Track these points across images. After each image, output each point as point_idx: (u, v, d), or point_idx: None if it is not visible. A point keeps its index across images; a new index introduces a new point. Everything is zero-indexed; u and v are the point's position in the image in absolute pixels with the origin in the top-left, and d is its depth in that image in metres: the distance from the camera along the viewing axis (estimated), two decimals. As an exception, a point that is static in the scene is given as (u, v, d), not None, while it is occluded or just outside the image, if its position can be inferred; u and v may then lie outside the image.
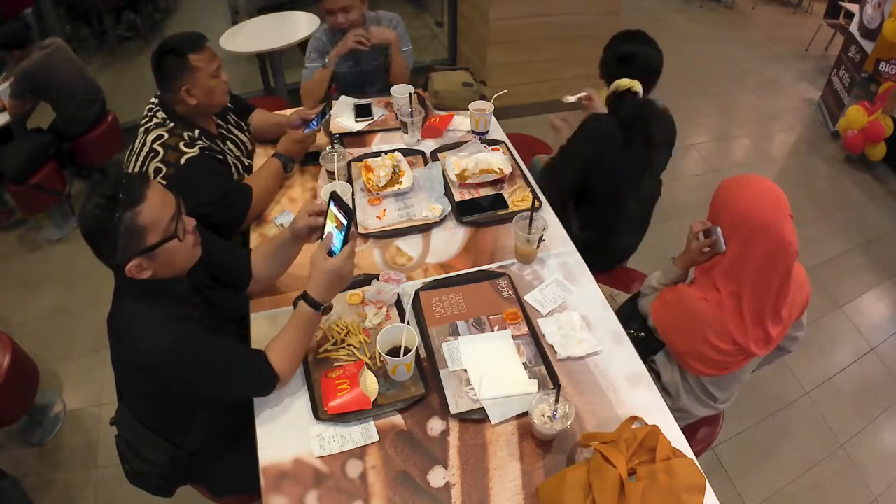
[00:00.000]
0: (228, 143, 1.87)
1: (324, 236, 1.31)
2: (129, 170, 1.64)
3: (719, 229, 1.30)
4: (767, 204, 1.26)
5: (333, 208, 1.31)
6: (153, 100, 1.72)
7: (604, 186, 1.91)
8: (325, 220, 1.34)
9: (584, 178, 1.92)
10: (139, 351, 1.12)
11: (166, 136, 1.63)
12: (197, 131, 1.69)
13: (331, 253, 1.28)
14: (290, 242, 1.46)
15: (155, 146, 1.61)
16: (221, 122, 1.88)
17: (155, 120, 1.67)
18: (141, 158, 1.62)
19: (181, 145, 1.62)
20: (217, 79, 1.69)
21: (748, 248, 1.25)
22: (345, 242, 1.27)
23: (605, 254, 2.04)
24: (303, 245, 1.49)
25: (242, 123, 2.02)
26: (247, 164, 1.95)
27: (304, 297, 1.26)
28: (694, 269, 1.45)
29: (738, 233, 1.27)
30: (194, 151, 1.63)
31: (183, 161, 1.61)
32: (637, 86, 1.77)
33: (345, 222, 1.27)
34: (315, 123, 1.99)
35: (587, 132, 1.87)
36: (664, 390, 1.50)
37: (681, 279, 1.51)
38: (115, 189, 1.08)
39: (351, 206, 1.70)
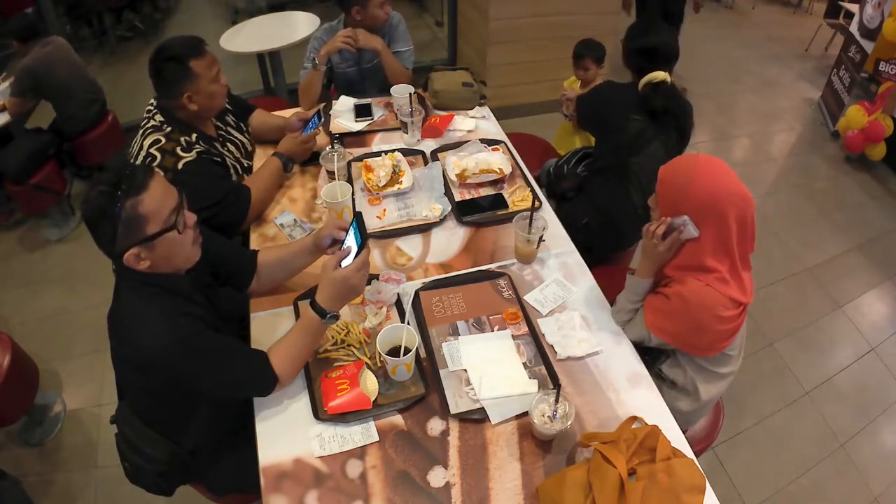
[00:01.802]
0: (228, 144, 1.87)
1: (342, 247, 1.33)
2: None
3: (687, 217, 1.28)
4: (719, 175, 1.28)
5: (354, 229, 1.31)
6: (152, 101, 1.72)
7: (607, 146, 2.06)
8: (346, 235, 1.36)
9: (595, 127, 2.17)
10: (139, 346, 1.12)
11: (163, 140, 1.62)
12: (194, 135, 1.69)
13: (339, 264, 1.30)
14: (309, 251, 1.47)
15: (152, 151, 1.61)
16: (220, 125, 1.88)
17: (152, 123, 1.66)
18: (138, 162, 1.62)
19: (178, 150, 1.62)
20: (217, 83, 1.68)
21: (725, 220, 1.26)
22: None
23: (611, 224, 2.06)
24: (318, 257, 1.50)
25: (242, 124, 2.02)
26: (246, 164, 1.95)
27: (312, 303, 1.27)
28: (665, 269, 1.42)
29: (709, 214, 1.27)
30: (191, 156, 1.63)
31: (180, 166, 1.61)
32: (666, 76, 1.87)
33: (356, 245, 1.28)
34: (313, 124, 1.99)
35: (609, 90, 2.07)
36: (683, 392, 1.49)
37: (650, 288, 1.46)
38: (119, 177, 1.09)
39: (354, 207, 1.71)
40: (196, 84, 1.62)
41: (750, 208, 1.28)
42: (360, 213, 1.33)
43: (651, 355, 1.51)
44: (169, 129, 1.65)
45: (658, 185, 1.35)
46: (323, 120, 2.08)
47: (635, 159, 1.94)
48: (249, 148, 2.03)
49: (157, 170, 1.18)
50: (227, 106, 1.94)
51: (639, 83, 1.94)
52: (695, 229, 1.28)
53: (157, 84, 1.63)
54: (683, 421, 1.49)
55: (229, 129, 1.92)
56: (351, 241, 1.31)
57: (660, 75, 1.86)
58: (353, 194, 1.79)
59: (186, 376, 1.17)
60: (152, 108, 1.70)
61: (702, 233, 1.28)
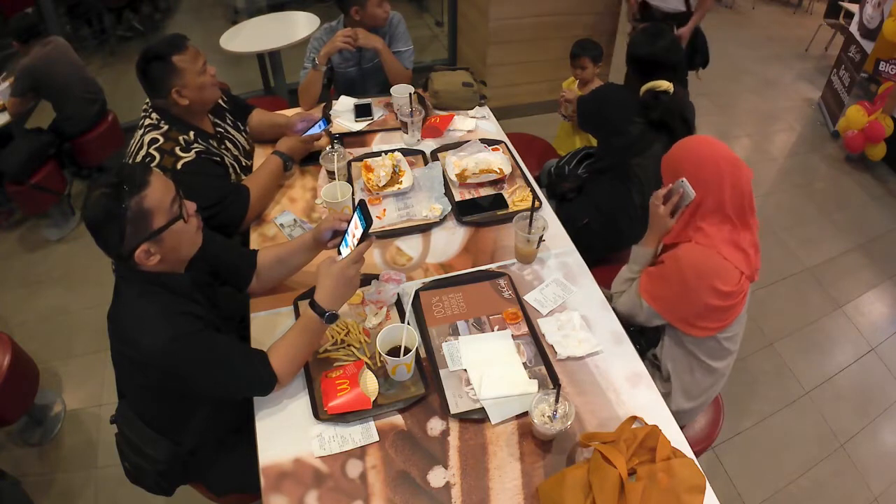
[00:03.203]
0: (226, 142, 1.87)
1: (344, 238, 1.34)
2: None
3: (684, 179, 1.37)
4: (713, 143, 1.40)
5: (357, 215, 1.32)
6: (147, 101, 1.72)
7: (609, 147, 2.08)
8: (349, 226, 1.36)
9: (597, 128, 2.17)
10: (137, 345, 1.12)
11: (161, 140, 1.63)
12: (192, 133, 1.69)
13: (339, 254, 1.31)
14: (308, 247, 1.48)
15: (151, 151, 1.61)
16: (218, 122, 1.88)
17: (149, 121, 1.67)
18: (138, 160, 1.62)
19: (177, 150, 1.63)
20: (204, 75, 1.69)
21: (719, 182, 1.34)
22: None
23: (612, 224, 2.06)
24: (318, 253, 1.51)
25: (240, 124, 2.02)
26: (244, 164, 1.95)
27: (311, 302, 1.27)
28: (665, 238, 1.49)
29: (703, 174, 1.36)
30: (190, 156, 1.64)
31: (179, 166, 1.61)
32: (670, 87, 1.87)
33: (360, 231, 1.29)
34: (319, 127, 1.99)
35: (610, 92, 2.11)
36: (676, 383, 1.49)
37: (651, 261, 1.51)
38: (119, 177, 1.11)
39: (354, 206, 1.71)
40: (183, 78, 1.63)
41: (744, 175, 1.34)
42: (363, 200, 1.34)
43: (646, 339, 1.51)
44: (166, 126, 1.65)
45: (663, 160, 1.45)
46: (330, 126, 2.07)
47: (637, 160, 1.94)
48: (248, 147, 2.03)
49: (152, 166, 1.18)
50: (225, 105, 1.94)
51: (640, 88, 1.94)
52: (692, 190, 1.36)
53: (146, 86, 1.65)
54: (677, 419, 1.50)
55: (227, 127, 1.92)
56: (356, 226, 1.32)
57: (663, 84, 1.85)
58: (353, 194, 1.79)
59: (185, 376, 1.17)
60: (147, 107, 1.71)
61: (698, 194, 1.35)
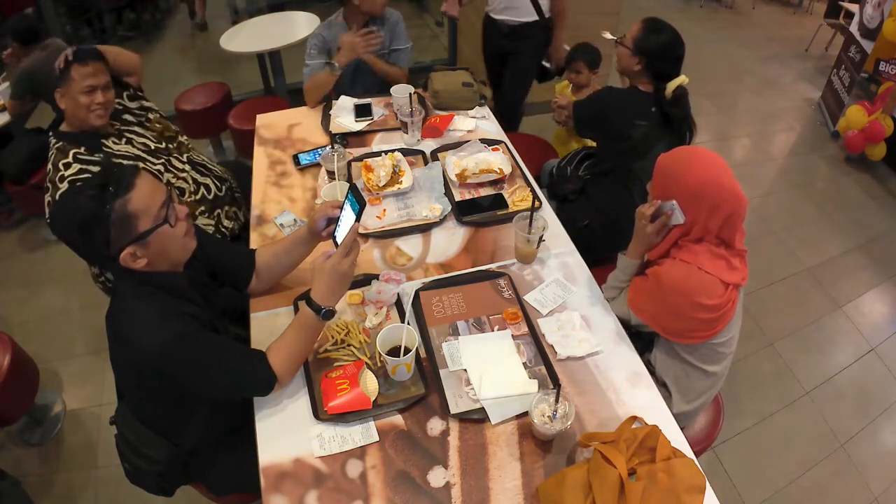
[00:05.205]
0: (126, 134, 1.88)
1: (339, 221, 1.34)
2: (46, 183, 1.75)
3: (675, 203, 1.32)
4: (713, 168, 1.31)
5: (349, 200, 1.32)
6: None
7: (610, 151, 2.06)
8: (341, 212, 1.36)
9: (597, 133, 2.15)
10: (135, 346, 1.12)
11: (51, 170, 1.72)
12: (82, 148, 1.74)
13: (335, 242, 1.31)
14: (304, 240, 1.47)
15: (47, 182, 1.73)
16: (115, 122, 1.88)
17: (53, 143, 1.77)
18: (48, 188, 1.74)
19: (56, 179, 1.70)
20: (87, 96, 1.70)
21: (713, 213, 1.29)
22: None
23: (613, 226, 2.05)
24: (315, 245, 1.50)
25: (144, 116, 1.98)
26: (153, 147, 1.92)
27: (307, 300, 1.27)
28: (649, 254, 1.47)
29: (699, 202, 1.29)
30: (63, 186, 1.69)
31: (58, 196, 1.68)
32: (687, 81, 1.86)
33: (353, 216, 1.29)
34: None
35: (611, 97, 2.04)
36: (672, 388, 1.49)
37: (639, 269, 1.50)
38: (105, 179, 1.11)
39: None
40: (66, 87, 1.69)
41: (741, 207, 1.30)
42: (354, 184, 1.33)
43: (640, 344, 1.51)
44: (60, 143, 1.74)
45: (654, 171, 1.40)
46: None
47: (639, 163, 1.94)
48: (158, 127, 1.99)
49: (141, 168, 1.18)
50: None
51: (640, 87, 1.94)
52: (682, 215, 1.32)
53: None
54: (677, 420, 1.49)
55: (125, 124, 1.91)
56: (348, 211, 1.31)
57: (685, 79, 1.85)
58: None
59: (183, 377, 1.17)
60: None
61: (688, 220, 1.32)
